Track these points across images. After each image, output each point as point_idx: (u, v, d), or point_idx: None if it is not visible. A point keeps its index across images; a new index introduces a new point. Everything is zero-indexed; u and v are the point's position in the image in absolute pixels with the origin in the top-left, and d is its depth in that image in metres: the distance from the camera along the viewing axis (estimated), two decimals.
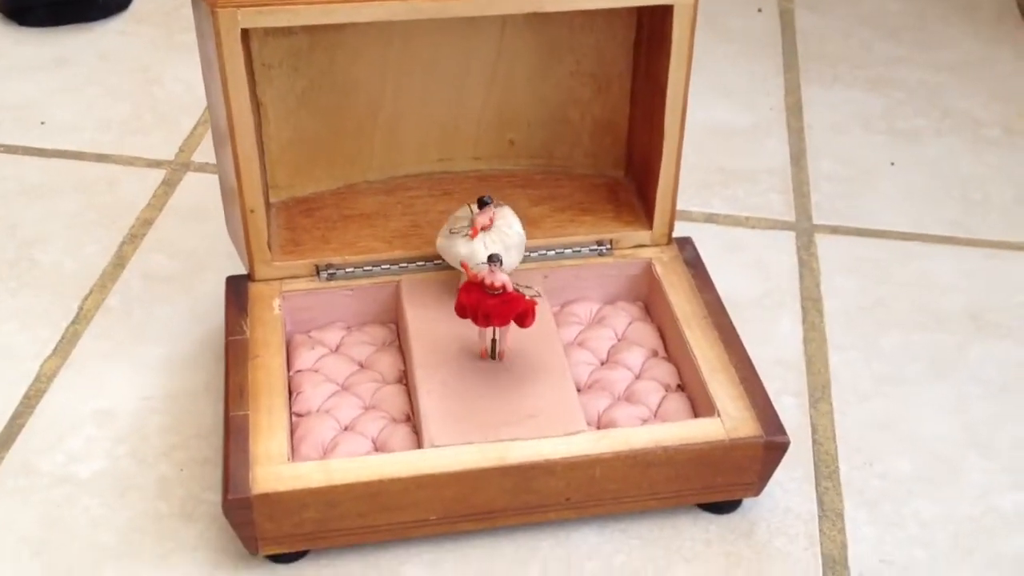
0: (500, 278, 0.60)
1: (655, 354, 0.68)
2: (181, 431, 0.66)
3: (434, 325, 0.66)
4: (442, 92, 0.72)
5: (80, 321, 0.73)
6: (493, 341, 0.63)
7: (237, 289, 0.67)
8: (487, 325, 0.61)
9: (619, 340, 0.69)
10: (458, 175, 0.76)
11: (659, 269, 0.70)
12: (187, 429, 0.66)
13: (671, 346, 0.68)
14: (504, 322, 0.60)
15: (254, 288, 0.67)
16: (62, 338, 0.72)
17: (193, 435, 0.66)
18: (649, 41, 0.69)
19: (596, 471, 0.58)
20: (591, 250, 0.71)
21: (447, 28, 0.70)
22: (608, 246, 0.71)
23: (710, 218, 0.85)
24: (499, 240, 0.64)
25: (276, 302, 0.66)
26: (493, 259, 0.60)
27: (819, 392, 0.71)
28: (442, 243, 0.65)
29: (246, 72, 0.61)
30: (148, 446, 0.65)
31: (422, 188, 0.75)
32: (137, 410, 0.67)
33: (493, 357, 0.64)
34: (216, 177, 0.85)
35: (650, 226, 0.71)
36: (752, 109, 0.97)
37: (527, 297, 0.61)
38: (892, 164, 0.91)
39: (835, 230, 0.84)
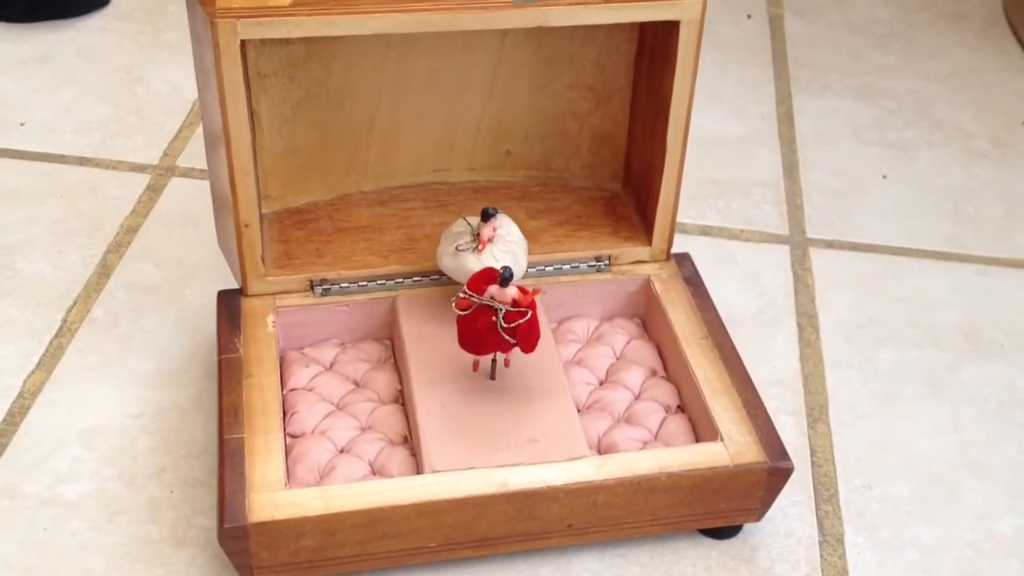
0: (511, 293, 0.59)
1: (654, 373, 0.67)
2: (171, 450, 0.64)
3: (431, 342, 0.64)
4: (439, 103, 0.71)
5: (64, 334, 0.71)
6: (493, 361, 0.62)
7: (229, 304, 0.65)
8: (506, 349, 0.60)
9: (618, 359, 0.68)
10: (454, 186, 0.74)
11: (658, 286, 0.69)
12: (177, 448, 0.64)
13: (671, 366, 0.67)
14: (532, 348, 0.59)
15: (247, 303, 0.66)
16: (46, 352, 0.70)
17: (183, 455, 0.64)
18: (652, 55, 0.68)
19: (599, 497, 0.58)
20: (589, 266, 0.70)
21: (446, 39, 0.68)
22: (606, 262, 0.70)
23: (704, 231, 0.84)
24: (507, 250, 0.63)
25: (270, 318, 0.65)
26: (505, 273, 0.58)
27: (817, 412, 0.70)
28: (449, 263, 0.64)
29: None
30: (137, 467, 0.63)
31: (417, 199, 0.73)
32: (125, 428, 0.65)
33: (493, 378, 0.63)
34: (203, 183, 0.84)
35: (649, 242, 0.70)
36: (743, 118, 0.96)
37: (530, 291, 0.59)
38: (884, 177, 0.91)
39: (829, 244, 0.84)
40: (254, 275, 0.65)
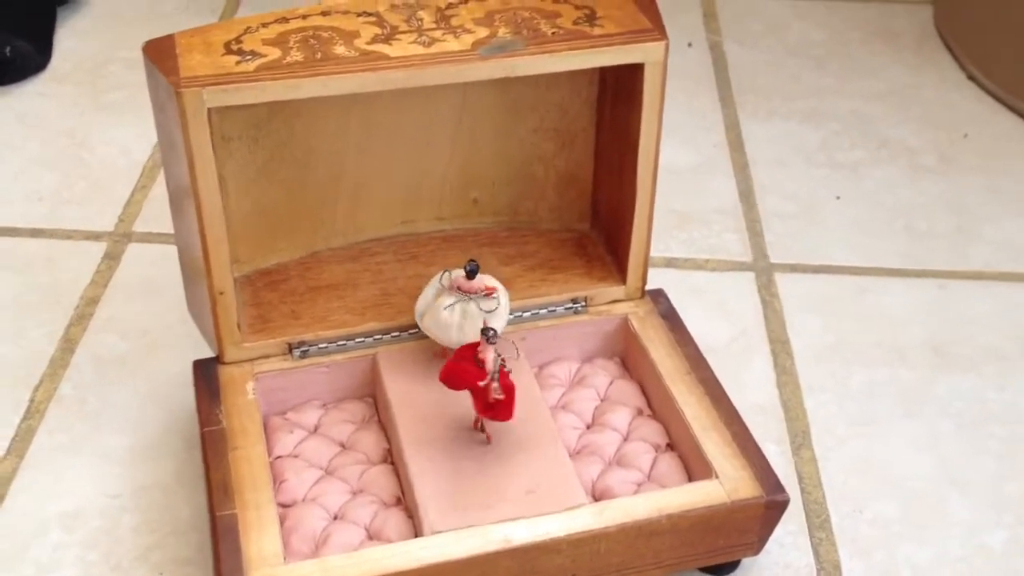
0: (490, 358, 0.58)
1: (640, 413, 0.67)
2: (156, 529, 0.62)
3: (416, 398, 0.64)
4: (405, 155, 0.70)
5: (33, 415, 0.69)
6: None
7: (206, 374, 0.64)
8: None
9: (602, 400, 0.68)
10: (422, 236, 0.74)
11: (636, 325, 0.69)
12: (162, 527, 0.62)
13: (656, 404, 0.67)
14: (507, 417, 0.59)
15: (224, 372, 0.64)
16: (15, 435, 0.67)
17: (170, 532, 0.62)
18: (615, 97, 0.68)
19: (601, 546, 0.57)
20: (566, 308, 0.70)
21: (410, 91, 0.68)
22: (583, 303, 0.70)
23: (670, 263, 0.85)
24: (503, 300, 0.63)
25: (250, 385, 0.63)
26: (487, 333, 0.58)
27: (800, 438, 0.71)
28: (430, 324, 0.63)
29: None
30: (122, 549, 0.61)
31: (387, 252, 0.73)
32: (106, 509, 0.63)
33: (482, 431, 0.62)
34: (163, 247, 0.82)
35: (623, 281, 0.71)
36: (696, 147, 0.97)
37: (506, 368, 0.59)
38: (838, 198, 0.92)
39: (793, 268, 0.85)
40: (230, 342, 0.64)
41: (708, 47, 1.13)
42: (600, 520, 0.57)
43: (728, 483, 0.59)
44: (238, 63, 0.57)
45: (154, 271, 0.80)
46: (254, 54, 0.58)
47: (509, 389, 0.59)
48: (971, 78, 1.08)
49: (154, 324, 0.76)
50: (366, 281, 0.70)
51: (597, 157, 0.73)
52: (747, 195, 0.92)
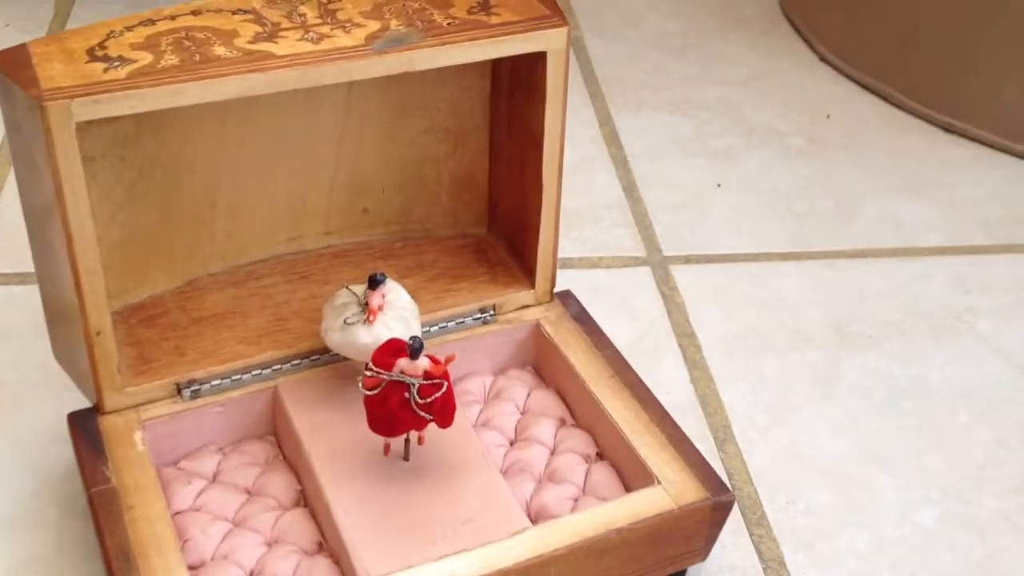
0: (423, 364, 0.53)
1: (564, 423, 0.63)
2: None
3: (328, 430, 0.58)
4: (287, 165, 0.64)
5: None
6: (406, 441, 0.57)
7: (85, 427, 0.56)
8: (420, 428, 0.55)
9: (523, 413, 0.64)
10: (311, 254, 0.68)
11: (549, 330, 0.66)
12: None
13: (579, 412, 0.63)
14: (449, 422, 0.54)
15: (106, 422, 0.57)
16: None
17: None
18: (512, 90, 0.64)
19: (551, 570, 0.53)
20: (475, 319, 0.66)
21: (289, 95, 0.62)
22: (492, 312, 0.66)
23: (565, 263, 0.81)
24: (399, 317, 0.57)
25: (138, 435, 0.56)
26: (414, 344, 0.53)
27: (721, 433, 0.69)
28: (338, 338, 0.57)
29: None
30: None
31: (275, 274, 0.66)
32: None
33: (407, 459, 0.57)
34: (9, 289, 0.73)
35: (532, 285, 0.67)
36: (573, 143, 0.94)
37: (442, 360, 0.54)
38: (719, 186, 0.92)
39: (687, 259, 0.83)
40: (111, 388, 0.57)
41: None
42: (547, 543, 0.53)
43: (671, 488, 0.56)
44: (107, 70, 0.50)
45: (2, 317, 0.70)
46: (123, 60, 0.51)
47: (443, 377, 0.53)
48: (823, 60, 1.10)
49: (8, 378, 0.67)
50: (255, 307, 0.64)
51: (492, 156, 0.69)
52: (631, 189, 0.90)
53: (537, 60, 0.60)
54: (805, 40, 1.13)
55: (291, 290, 0.65)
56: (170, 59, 0.52)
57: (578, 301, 0.68)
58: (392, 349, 0.54)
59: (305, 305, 0.64)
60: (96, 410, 0.57)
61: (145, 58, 0.51)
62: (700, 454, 0.58)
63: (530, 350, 0.67)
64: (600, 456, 0.62)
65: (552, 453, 0.62)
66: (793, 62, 1.10)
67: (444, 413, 0.54)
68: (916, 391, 0.73)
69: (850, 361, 0.75)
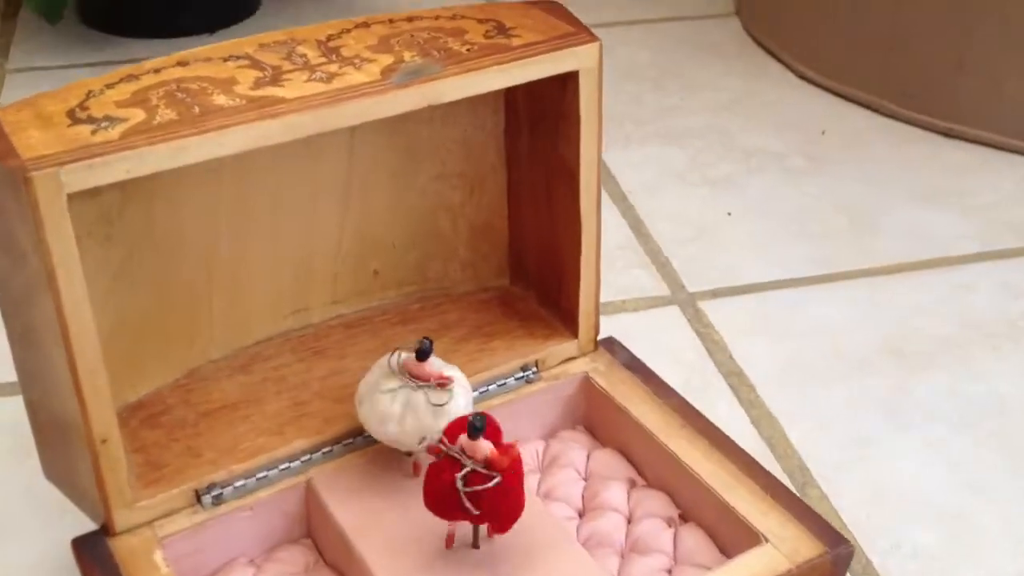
0: (485, 448, 0.46)
1: (634, 484, 0.56)
2: None
3: (378, 522, 0.50)
4: (289, 227, 0.57)
5: None
6: (475, 525, 0.49)
7: (95, 554, 0.47)
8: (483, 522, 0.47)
9: (586, 479, 0.57)
10: (320, 327, 0.60)
11: (601, 382, 0.59)
12: None
13: (650, 470, 0.56)
14: (505, 528, 0.46)
15: (119, 545, 0.48)
16: None
17: None
18: (533, 123, 0.58)
19: None
20: (517, 379, 0.58)
21: (287, 148, 0.55)
22: (534, 369, 0.59)
23: None
24: (459, 392, 0.50)
25: (158, 556, 0.48)
26: (476, 423, 0.45)
27: (799, 476, 0.62)
28: (367, 412, 0.50)
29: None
30: None
31: (284, 353, 0.58)
32: None
33: (475, 546, 0.49)
34: None
35: (573, 335, 0.60)
36: None
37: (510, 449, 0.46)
38: (729, 214, 0.86)
39: (715, 293, 0.77)
40: (120, 505, 0.48)
41: None
42: None
43: (783, 545, 0.49)
44: (95, 132, 0.42)
45: None
46: (111, 119, 0.43)
47: (502, 471, 0.46)
48: (802, 77, 1.06)
49: None
50: (269, 393, 0.56)
51: (512, 199, 0.62)
52: (637, 226, 0.84)
53: (562, 83, 0.54)
54: (778, 59, 1.09)
55: (306, 369, 0.57)
56: (166, 114, 0.44)
57: (625, 348, 0.61)
58: (462, 424, 0.46)
59: (326, 384, 0.56)
60: (105, 531, 0.48)
61: (137, 115, 0.44)
62: (805, 504, 0.52)
63: (579, 406, 0.60)
64: (683, 518, 0.54)
65: (629, 521, 0.54)
66: (771, 82, 1.06)
67: (498, 513, 0.46)
68: (991, 407, 0.67)
69: (915, 382, 0.69)
